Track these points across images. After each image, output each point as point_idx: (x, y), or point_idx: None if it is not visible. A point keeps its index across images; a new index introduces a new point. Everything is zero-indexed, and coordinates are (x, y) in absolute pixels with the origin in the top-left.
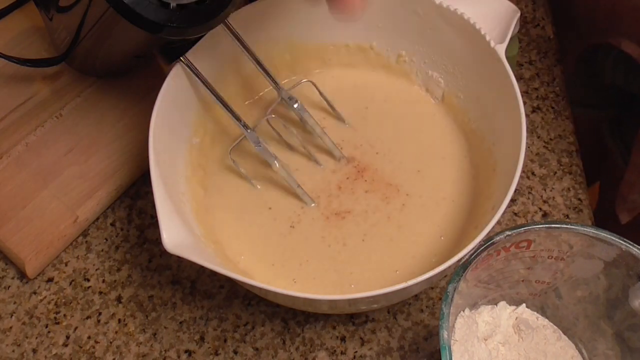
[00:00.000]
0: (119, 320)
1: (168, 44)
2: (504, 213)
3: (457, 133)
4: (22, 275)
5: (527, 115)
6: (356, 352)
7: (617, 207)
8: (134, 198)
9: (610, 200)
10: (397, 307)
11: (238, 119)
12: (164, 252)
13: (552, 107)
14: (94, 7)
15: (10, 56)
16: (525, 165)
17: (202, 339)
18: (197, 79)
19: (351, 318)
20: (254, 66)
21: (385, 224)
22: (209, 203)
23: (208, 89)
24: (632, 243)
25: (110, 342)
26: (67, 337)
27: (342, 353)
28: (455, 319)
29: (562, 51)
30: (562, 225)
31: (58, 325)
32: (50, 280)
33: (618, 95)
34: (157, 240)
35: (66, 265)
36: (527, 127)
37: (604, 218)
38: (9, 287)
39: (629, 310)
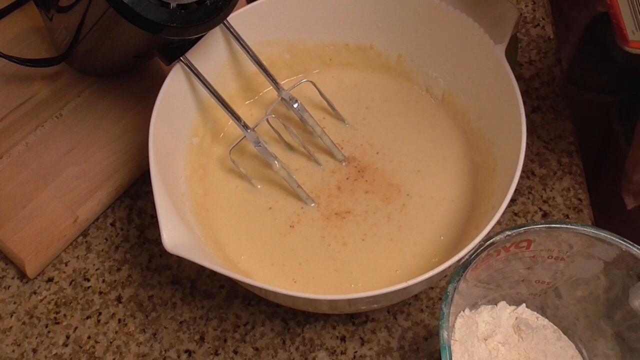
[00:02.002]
0: (119, 320)
1: (168, 44)
2: (504, 213)
3: (457, 133)
4: (22, 275)
5: (527, 115)
6: (356, 352)
7: (622, 191)
8: (134, 198)
9: (612, 192)
10: (397, 307)
11: (238, 119)
12: (164, 252)
13: (552, 107)
14: (94, 7)
15: (10, 56)
16: (525, 165)
17: (202, 339)
18: (197, 79)
19: (351, 318)
20: (254, 66)
21: (386, 224)
22: (209, 203)
23: (208, 89)
24: (632, 243)
25: (110, 342)
26: (67, 337)
27: (342, 353)
28: (455, 319)
29: (567, 25)
30: (562, 225)
31: (58, 325)
32: (50, 280)
33: (630, 79)
34: (157, 240)
35: (66, 265)
36: (527, 127)
37: (603, 216)
38: (9, 287)
39: (629, 310)
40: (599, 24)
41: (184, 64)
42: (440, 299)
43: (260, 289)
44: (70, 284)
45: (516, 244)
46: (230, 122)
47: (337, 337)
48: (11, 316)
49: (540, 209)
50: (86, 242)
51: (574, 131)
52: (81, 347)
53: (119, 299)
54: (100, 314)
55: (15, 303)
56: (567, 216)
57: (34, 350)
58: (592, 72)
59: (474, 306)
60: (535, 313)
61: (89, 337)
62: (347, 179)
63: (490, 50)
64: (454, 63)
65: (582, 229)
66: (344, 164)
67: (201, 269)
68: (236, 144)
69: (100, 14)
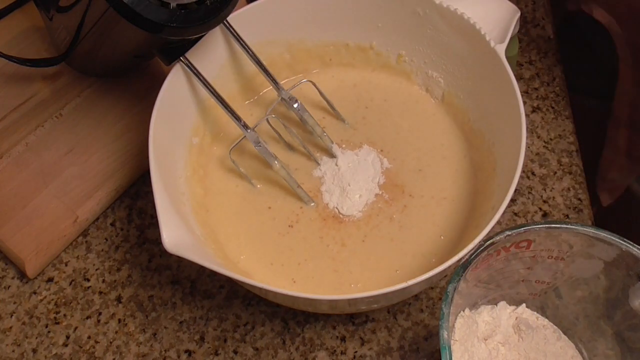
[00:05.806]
0: (119, 320)
1: (168, 44)
2: (504, 213)
3: (457, 133)
4: (22, 275)
5: (527, 115)
6: (356, 352)
7: (598, 188)
8: (134, 198)
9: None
10: (397, 307)
11: (238, 119)
12: (164, 252)
13: (552, 107)
14: (94, 7)
15: (10, 56)
16: (525, 165)
17: (202, 339)
18: (197, 79)
19: (351, 318)
20: (254, 66)
21: (387, 225)
22: (209, 203)
23: (208, 89)
24: (632, 243)
25: (110, 342)
26: (67, 337)
27: (342, 353)
28: (455, 319)
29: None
30: (562, 225)
31: (58, 325)
32: (50, 280)
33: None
34: (157, 240)
35: (66, 265)
36: (527, 127)
37: (603, 218)
38: (9, 287)
39: (629, 310)
40: (573, 24)
41: (184, 64)
42: (440, 299)
43: (260, 289)
44: (70, 284)
45: (516, 244)
46: (230, 122)
47: (337, 337)
48: (11, 316)
49: (540, 209)
50: (86, 242)
51: (574, 131)
52: (81, 347)
53: (119, 299)
54: (100, 314)
55: (15, 303)
56: (567, 216)
57: (34, 350)
58: (583, 76)
59: (474, 306)
60: (535, 313)
61: (89, 337)
62: None
63: (490, 50)
64: (454, 63)
65: (582, 229)
66: None
67: (201, 269)
68: (236, 144)
69: (100, 14)
